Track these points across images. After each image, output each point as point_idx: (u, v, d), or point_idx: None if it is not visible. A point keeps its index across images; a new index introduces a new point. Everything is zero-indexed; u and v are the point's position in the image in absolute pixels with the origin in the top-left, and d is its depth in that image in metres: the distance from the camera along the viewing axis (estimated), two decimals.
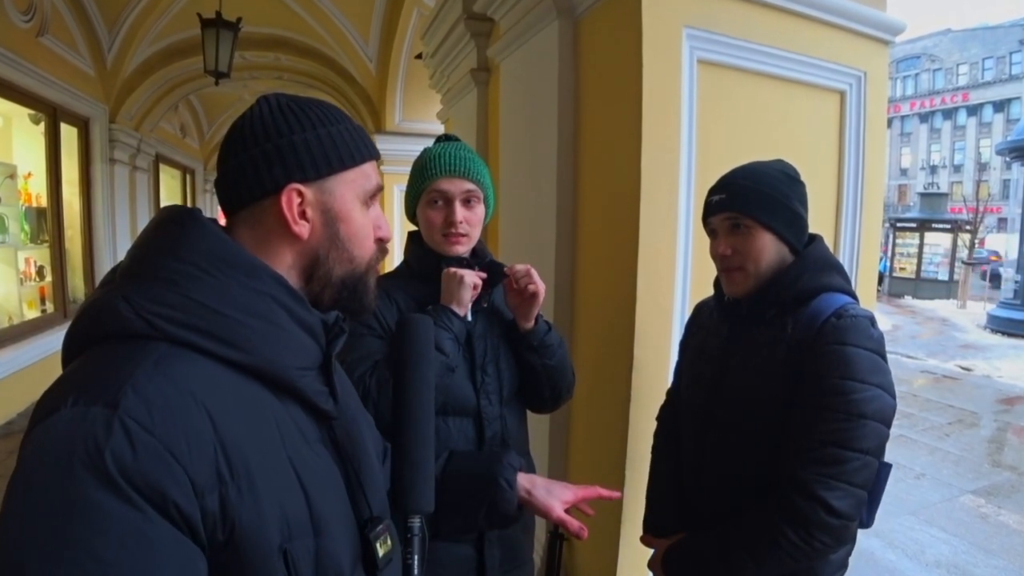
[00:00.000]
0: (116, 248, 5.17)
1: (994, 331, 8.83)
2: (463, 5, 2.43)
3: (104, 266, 5.01)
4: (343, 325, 0.59)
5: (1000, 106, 28.62)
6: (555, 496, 0.82)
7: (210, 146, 8.81)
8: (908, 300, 12.88)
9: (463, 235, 1.06)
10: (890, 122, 28.73)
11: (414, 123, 5.09)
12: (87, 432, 0.40)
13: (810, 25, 1.59)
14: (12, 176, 3.98)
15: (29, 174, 4.26)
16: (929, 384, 5.88)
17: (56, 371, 0.48)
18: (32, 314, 4.23)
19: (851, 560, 0.99)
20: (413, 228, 1.14)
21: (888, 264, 13.97)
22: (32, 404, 0.55)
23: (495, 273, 1.07)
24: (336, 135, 0.56)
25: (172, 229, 0.52)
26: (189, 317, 0.47)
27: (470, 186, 1.06)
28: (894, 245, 14.20)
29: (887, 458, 0.89)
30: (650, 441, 1.22)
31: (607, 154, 1.60)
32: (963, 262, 12.82)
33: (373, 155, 0.59)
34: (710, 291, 1.12)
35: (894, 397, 0.87)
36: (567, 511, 0.82)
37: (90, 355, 0.47)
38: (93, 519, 0.39)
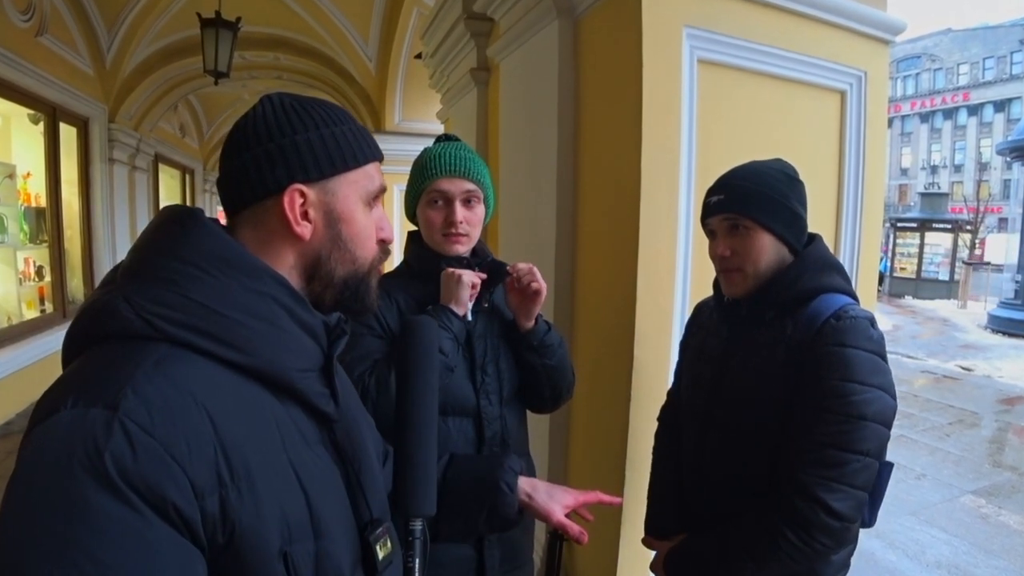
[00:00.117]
0: (115, 248, 5.17)
1: (995, 331, 8.83)
2: (463, 5, 2.43)
3: (103, 266, 5.01)
4: (344, 327, 0.59)
5: (1001, 106, 28.63)
6: (556, 500, 0.82)
7: (209, 146, 8.81)
8: (908, 300, 12.89)
9: (463, 235, 1.06)
10: (891, 122, 28.69)
11: (414, 123, 5.09)
12: (87, 433, 0.40)
13: (810, 25, 1.59)
14: (11, 176, 3.98)
15: (28, 174, 4.26)
16: (929, 384, 5.88)
17: (55, 371, 0.48)
18: (31, 314, 4.23)
19: (851, 560, 0.99)
20: (412, 228, 1.14)
21: (888, 264, 13.97)
22: (31, 404, 0.55)
23: (497, 272, 1.07)
24: (340, 136, 0.56)
25: (173, 229, 0.51)
26: (189, 318, 0.47)
27: (470, 186, 1.06)
28: (895, 245, 14.21)
29: (888, 458, 0.89)
30: (650, 441, 1.22)
31: (607, 154, 1.60)
32: (964, 262, 12.82)
33: (376, 156, 0.59)
34: (710, 291, 1.11)
35: (894, 398, 0.87)
36: (568, 515, 0.82)
37: (90, 355, 0.47)
38: (92, 521, 0.38)
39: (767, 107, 1.57)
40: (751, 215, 0.94)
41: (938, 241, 13.61)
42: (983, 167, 27.31)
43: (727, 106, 1.52)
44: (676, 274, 1.47)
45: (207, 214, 0.54)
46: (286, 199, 0.53)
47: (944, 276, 13.29)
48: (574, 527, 0.80)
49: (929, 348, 7.63)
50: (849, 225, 1.71)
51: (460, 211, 1.05)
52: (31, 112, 4.22)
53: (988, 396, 5.43)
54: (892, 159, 31.30)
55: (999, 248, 12.51)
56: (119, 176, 5.42)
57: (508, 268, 1.05)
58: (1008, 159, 11.16)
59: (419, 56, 3.70)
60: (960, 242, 13.69)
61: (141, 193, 6.02)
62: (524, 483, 0.83)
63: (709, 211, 0.99)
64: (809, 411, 0.86)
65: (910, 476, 3.46)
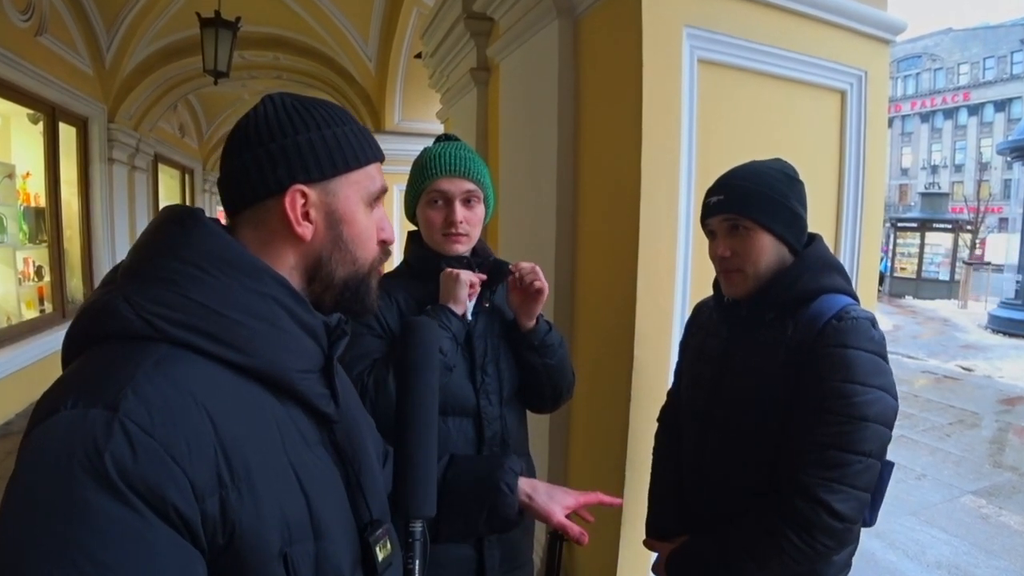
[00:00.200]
0: (115, 248, 5.17)
1: (995, 331, 8.83)
2: (463, 4, 2.42)
3: (103, 266, 5.00)
4: (345, 328, 0.59)
5: (1001, 105, 28.63)
6: (556, 501, 0.82)
7: (209, 146, 8.81)
8: (909, 300, 12.89)
9: (463, 235, 1.06)
10: (891, 122, 28.68)
11: (414, 123, 5.09)
12: (87, 434, 0.40)
13: (811, 24, 1.59)
14: (10, 176, 3.98)
15: (27, 174, 4.26)
16: (930, 384, 5.88)
17: (55, 371, 0.48)
18: (30, 314, 4.23)
19: (852, 560, 0.99)
20: (412, 228, 1.14)
21: (889, 264, 13.97)
22: (31, 404, 0.55)
23: (499, 271, 1.07)
24: (341, 136, 0.56)
25: (173, 229, 0.51)
26: (190, 318, 0.47)
27: (470, 186, 1.05)
28: (895, 245, 14.20)
29: (888, 458, 0.88)
30: (650, 442, 1.22)
31: (607, 154, 1.59)
32: (964, 262, 12.81)
33: (378, 157, 0.59)
34: (710, 291, 1.11)
35: (896, 398, 0.87)
36: (568, 516, 0.82)
37: (90, 356, 0.46)
38: (92, 522, 0.38)
39: (767, 107, 1.57)
40: (751, 215, 0.93)
41: (938, 241, 13.61)
42: (983, 167, 27.31)
43: (727, 106, 1.52)
44: (676, 274, 1.47)
45: (207, 214, 0.54)
46: (287, 199, 0.53)
47: (944, 276, 13.29)
48: (574, 528, 0.80)
49: (929, 348, 7.63)
50: (849, 225, 1.71)
51: (460, 211, 1.05)
52: (30, 112, 4.22)
53: (989, 396, 5.42)
54: (892, 159, 31.30)
55: (999, 248, 12.51)
56: (118, 176, 5.42)
57: (511, 267, 1.05)
58: (1008, 159, 11.16)
59: (419, 56, 3.70)
60: (960, 242, 13.69)
61: (140, 193, 6.01)
62: (524, 484, 0.83)
63: (709, 211, 0.98)
64: (810, 412, 0.86)
65: (910, 476, 3.46)
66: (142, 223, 5.60)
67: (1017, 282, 8.92)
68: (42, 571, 0.37)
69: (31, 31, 3.90)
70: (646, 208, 1.41)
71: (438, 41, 2.86)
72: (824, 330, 0.87)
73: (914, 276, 13.65)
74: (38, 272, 4.39)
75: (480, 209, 1.08)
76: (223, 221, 0.57)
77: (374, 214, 0.59)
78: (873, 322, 0.89)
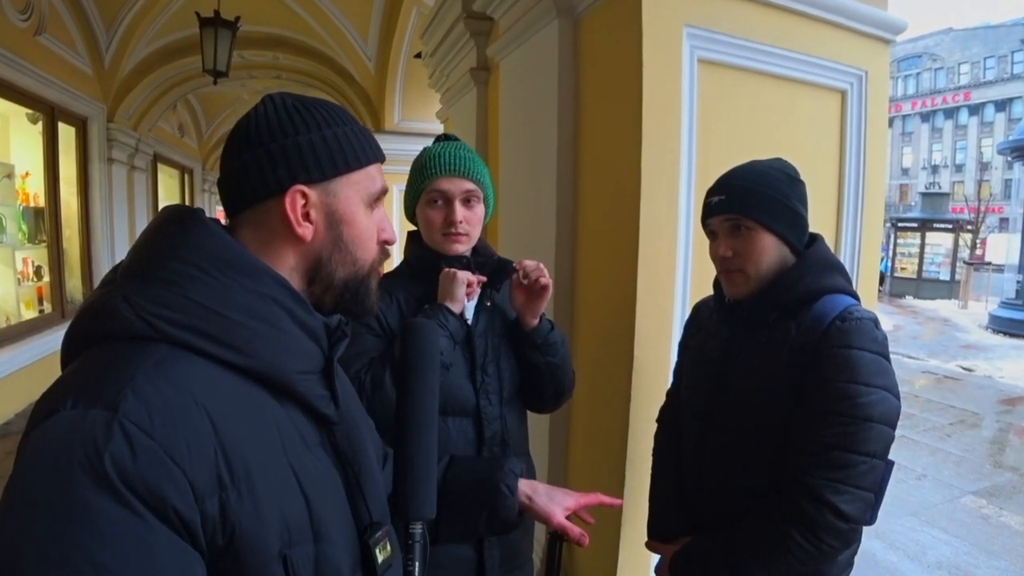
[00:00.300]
0: (114, 248, 5.17)
1: (996, 331, 8.83)
2: (462, 4, 2.42)
3: (102, 266, 5.00)
4: (345, 329, 0.59)
5: (1002, 105, 28.62)
6: (556, 502, 0.82)
7: (208, 145, 8.81)
8: (909, 300, 12.89)
9: (463, 234, 1.06)
10: (891, 121, 28.66)
11: (413, 123, 5.08)
12: (86, 435, 0.40)
13: (811, 24, 1.58)
14: (10, 176, 3.98)
15: (27, 173, 4.26)
16: (930, 385, 5.88)
17: (54, 372, 0.48)
18: (30, 314, 4.23)
19: (854, 559, 0.98)
20: (412, 228, 1.14)
21: (889, 264, 13.97)
22: (30, 405, 0.54)
23: (504, 270, 1.07)
24: (342, 136, 0.55)
25: (173, 229, 0.51)
26: (190, 319, 0.47)
27: (470, 186, 1.05)
28: (895, 245, 14.20)
29: (889, 457, 0.88)
30: (650, 442, 1.22)
31: (607, 154, 1.59)
32: (964, 262, 12.81)
33: (378, 157, 0.59)
34: (710, 291, 1.11)
35: (898, 398, 0.87)
36: (568, 517, 0.82)
37: (89, 356, 0.46)
38: (92, 524, 0.38)
39: (768, 107, 1.56)
40: (753, 215, 0.93)
41: (939, 241, 13.61)
42: (984, 167, 27.31)
43: (727, 106, 1.52)
44: (676, 274, 1.47)
45: (207, 214, 0.54)
46: (287, 200, 0.53)
47: (945, 276, 13.29)
48: (575, 529, 0.80)
49: (930, 348, 7.63)
50: (850, 225, 1.71)
51: (460, 211, 1.05)
52: (30, 112, 4.22)
53: (989, 396, 5.42)
54: (893, 159, 31.30)
55: (1000, 248, 12.51)
56: (118, 176, 5.42)
57: (515, 265, 1.05)
58: (1009, 159, 11.16)
59: (419, 55, 3.70)
60: (961, 242, 13.70)
61: (140, 193, 6.01)
62: (524, 485, 0.83)
63: (710, 211, 0.98)
64: (815, 413, 0.85)
65: (911, 476, 3.46)
66: (141, 223, 5.60)
67: (1018, 282, 8.92)
68: (41, 572, 0.37)
69: (30, 31, 3.90)
70: (646, 208, 1.41)
71: (438, 41, 2.85)
72: (828, 331, 0.87)
73: (914, 276, 13.66)
74: (37, 272, 4.39)
75: (480, 209, 1.08)
76: (223, 221, 0.57)
77: (374, 215, 0.59)
78: (876, 323, 0.89)
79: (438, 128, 3.74)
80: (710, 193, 0.99)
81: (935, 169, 24.55)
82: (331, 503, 0.53)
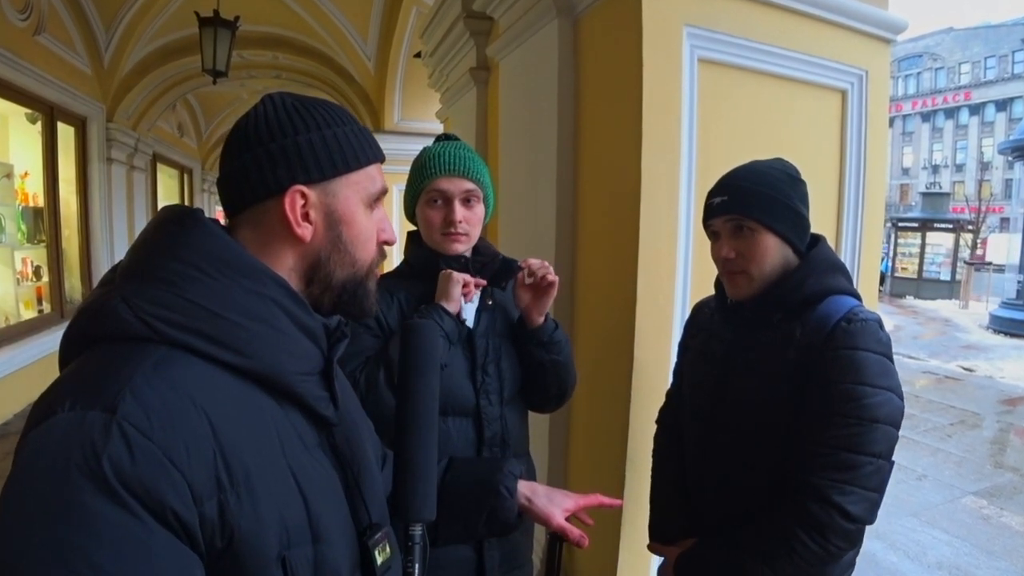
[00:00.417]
0: (113, 248, 5.17)
1: (996, 331, 8.83)
2: (462, 3, 2.42)
3: (101, 266, 5.00)
4: (345, 330, 0.58)
5: (1002, 105, 28.61)
6: (556, 504, 0.82)
7: (208, 145, 8.81)
8: (910, 300, 12.89)
9: (462, 234, 1.06)
10: (892, 121, 28.73)
11: (413, 122, 5.08)
12: (84, 437, 0.40)
13: (811, 24, 1.58)
14: (9, 176, 3.98)
15: (26, 173, 4.25)
16: (931, 385, 5.88)
17: (53, 372, 0.48)
18: (29, 314, 4.22)
19: (856, 560, 0.98)
20: (412, 228, 1.13)
21: (890, 264, 13.97)
22: (29, 405, 0.54)
23: (509, 269, 1.07)
24: (342, 136, 0.55)
25: (172, 229, 0.51)
26: (188, 320, 0.47)
27: (470, 185, 1.05)
28: (896, 245, 14.20)
29: None
30: (650, 442, 1.22)
31: (607, 154, 1.59)
32: (965, 262, 12.81)
33: (378, 157, 0.59)
34: (710, 291, 1.10)
35: (902, 399, 0.87)
36: (568, 519, 0.82)
37: (88, 357, 0.46)
38: (90, 526, 0.38)
39: (768, 106, 1.56)
40: (755, 216, 0.93)
41: (939, 241, 13.61)
42: (985, 167, 27.32)
43: (728, 105, 1.51)
44: (676, 274, 1.47)
45: (206, 214, 0.54)
46: (287, 200, 0.53)
47: (946, 276, 13.30)
48: (574, 531, 0.80)
49: (931, 348, 7.63)
50: (850, 225, 1.70)
51: (459, 210, 1.04)
52: (29, 111, 4.22)
53: (990, 397, 5.42)
54: (893, 159, 31.29)
55: (1001, 248, 12.53)
56: (117, 175, 5.42)
57: (520, 263, 1.05)
58: (1010, 158, 11.16)
59: (418, 55, 3.69)
60: (962, 242, 13.72)
61: (139, 193, 6.01)
62: (523, 487, 0.83)
63: (712, 212, 0.98)
64: (820, 414, 0.85)
65: (911, 477, 3.45)
66: (141, 223, 5.60)
67: (1019, 282, 8.92)
68: (39, 574, 0.37)
69: (29, 30, 3.90)
70: (646, 208, 1.41)
71: (438, 40, 2.85)
72: (834, 332, 0.87)
73: (915, 276, 13.66)
74: (36, 272, 4.38)
75: (480, 209, 1.08)
76: (222, 221, 0.57)
77: (374, 215, 0.59)
78: (880, 324, 0.89)
79: (438, 128, 3.73)
80: (712, 194, 0.99)
81: (936, 169, 24.57)
82: (330, 504, 0.53)
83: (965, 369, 6.53)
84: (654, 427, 1.21)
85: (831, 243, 1.31)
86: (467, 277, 1.03)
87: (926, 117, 32.23)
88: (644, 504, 1.17)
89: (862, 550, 0.98)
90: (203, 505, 0.43)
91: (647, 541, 1.12)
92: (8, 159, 4.06)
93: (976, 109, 29.95)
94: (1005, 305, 9.15)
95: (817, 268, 0.94)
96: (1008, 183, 24.63)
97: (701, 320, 1.13)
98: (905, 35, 1.85)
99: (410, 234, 1.13)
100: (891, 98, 1.97)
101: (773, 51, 1.53)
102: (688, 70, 1.44)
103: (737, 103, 1.53)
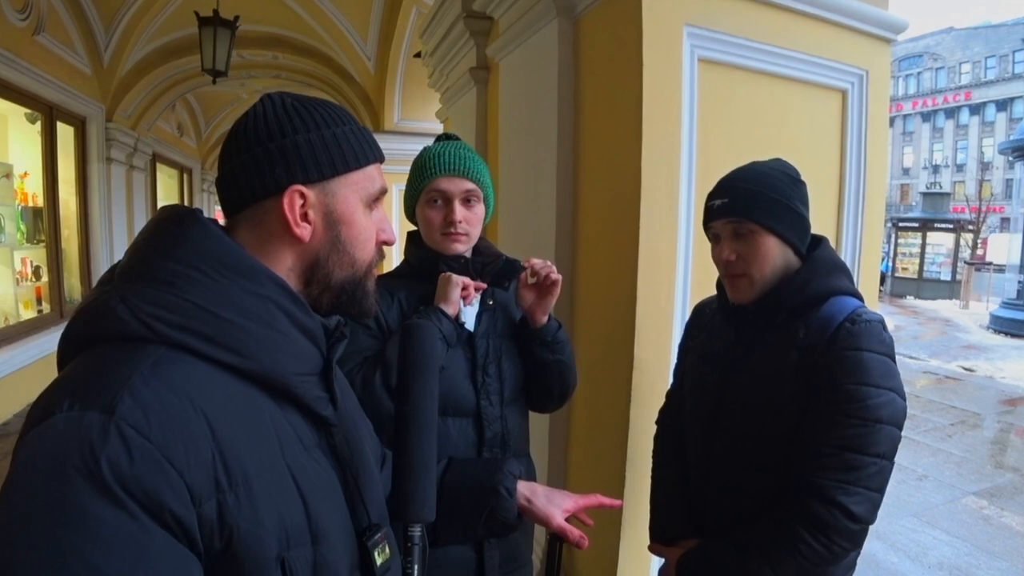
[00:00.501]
0: (113, 248, 5.16)
1: (997, 331, 8.83)
2: (462, 3, 2.42)
3: (101, 266, 5.00)
4: (344, 330, 0.58)
5: (1003, 105, 28.60)
6: (555, 504, 0.82)
7: (207, 145, 8.81)
8: (910, 300, 12.90)
9: (462, 234, 1.05)
10: (892, 121, 28.70)
11: (413, 122, 5.08)
12: (83, 438, 0.40)
13: (812, 23, 1.58)
14: (8, 175, 3.98)
15: (25, 173, 4.25)
16: (932, 385, 5.87)
17: (52, 372, 0.48)
18: (28, 315, 4.22)
19: (856, 560, 0.98)
20: (412, 227, 1.13)
21: (890, 264, 13.97)
22: (28, 406, 0.54)
23: (512, 269, 1.07)
24: (341, 136, 0.55)
25: (171, 229, 0.51)
26: (187, 320, 0.46)
27: (470, 185, 1.05)
28: (896, 245, 14.20)
29: None
30: (650, 442, 1.21)
31: (607, 153, 1.59)
32: (966, 262, 12.81)
33: (378, 157, 0.59)
34: (710, 291, 1.10)
35: (904, 399, 0.87)
36: (568, 519, 0.81)
37: (86, 358, 0.46)
38: (88, 527, 0.38)
39: (768, 106, 1.56)
40: (756, 218, 0.93)
41: (940, 241, 13.62)
42: (985, 167, 27.30)
43: (728, 105, 1.51)
44: (676, 274, 1.47)
45: (205, 214, 0.54)
46: (286, 200, 0.53)
47: (946, 276, 13.30)
48: (574, 532, 0.80)
49: (931, 349, 7.62)
50: (851, 225, 1.70)
51: (459, 210, 1.04)
52: (28, 111, 4.22)
53: (990, 397, 5.42)
54: (894, 158, 31.29)
55: (1001, 248, 12.51)
56: (116, 175, 5.41)
57: (523, 263, 1.05)
58: (1010, 158, 11.15)
59: (418, 55, 3.69)
60: (962, 242, 13.72)
61: (139, 192, 6.00)
62: (523, 487, 0.82)
63: (712, 215, 0.97)
64: (824, 415, 0.85)
65: (912, 477, 3.45)
66: (140, 223, 5.59)
67: (1019, 282, 8.92)
68: (37, 575, 0.37)
69: (29, 30, 3.89)
70: (646, 208, 1.40)
71: (438, 40, 2.85)
72: (838, 333, 0.87)
73: (915, 276, 13.67)
74: (36, 272, 4.38)
75: (480, 209, 1.07)
76: (221, 221, 0.56)
77: (373, 215, 0.58)
78: (883, 324, 0.89)
79: (438, 128, 3.73)
80: (711, 196, 0.98)
81: (936, 169, 24.56)
82: (329, 505, 0.53)
83: (966, 369, 6.53)
84: (654, 427, 1.21)
85: (832, 243, 1.31)
86: (466, 280, 1.03)
87: (926, 117, 32.21)
88: (644, 504, 1.17)
89: (863, 550, 0.98)
90: (201, 506, 0.42)
91: (647, 542, 1.12)
92: (7, 159, 4.06)
93: (976, 109, 29.93)
94: (1005, 305, 9.15)
95: (820, 269, 0.94)
96: (1008, 183, 24.57)
97: (702, 321, 1.13)
98: (905, 35, 1.85)
99: (410, 234, 1.13)
100: (891, 98, 1.97)
101: (773, 51, 1.53)
102: (688, 70, 1.43)
103: (737, 103, 1.53)
